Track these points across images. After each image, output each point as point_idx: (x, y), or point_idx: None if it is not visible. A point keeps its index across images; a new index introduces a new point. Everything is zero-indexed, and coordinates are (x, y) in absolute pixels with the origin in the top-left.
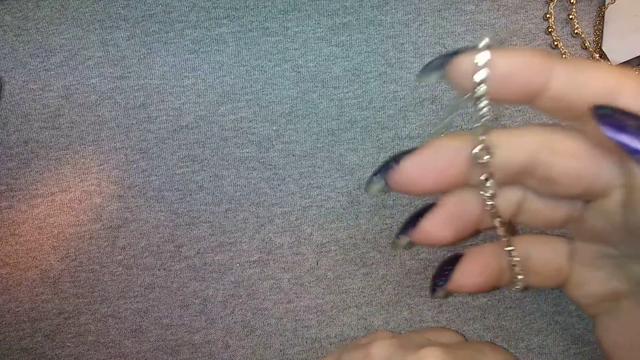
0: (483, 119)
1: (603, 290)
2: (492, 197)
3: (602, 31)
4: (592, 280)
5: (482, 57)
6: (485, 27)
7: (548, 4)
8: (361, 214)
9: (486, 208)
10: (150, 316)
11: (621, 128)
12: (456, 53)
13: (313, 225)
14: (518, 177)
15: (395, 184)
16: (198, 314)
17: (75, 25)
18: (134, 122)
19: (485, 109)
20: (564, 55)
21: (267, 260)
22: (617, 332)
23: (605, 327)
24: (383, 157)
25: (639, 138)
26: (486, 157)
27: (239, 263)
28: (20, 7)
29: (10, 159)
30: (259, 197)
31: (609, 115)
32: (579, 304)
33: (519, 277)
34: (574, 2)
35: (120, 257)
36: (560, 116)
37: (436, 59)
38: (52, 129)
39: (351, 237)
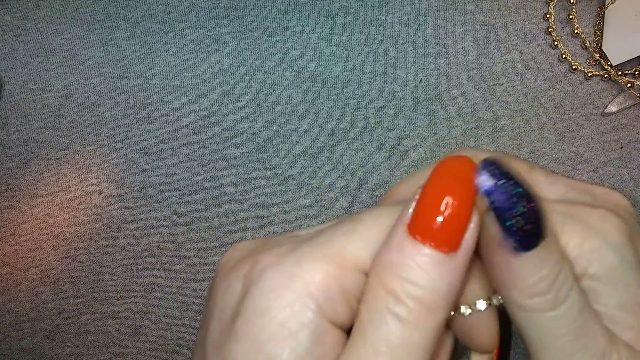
0: None
1: None
2: None
3: (602, 31)
4: None
5: None
6: (485, 27)
7: (548, 4)
8: None
9: None
10: (150, 316)
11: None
12: None
13: (313, 226)
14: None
15: None
16: (198, 314)
17: (75, 25)
18: (134, 122)
19: None
20: (564, 56)
21: None
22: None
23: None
24: (383, 157)
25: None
26: None
27: None
28: (20, 7)
29: (10, 159)
30: (259, 197)
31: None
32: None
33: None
34: (574, 2)
35: (120, 257)
36: None
37: None
38: (52, 129)
39: None
